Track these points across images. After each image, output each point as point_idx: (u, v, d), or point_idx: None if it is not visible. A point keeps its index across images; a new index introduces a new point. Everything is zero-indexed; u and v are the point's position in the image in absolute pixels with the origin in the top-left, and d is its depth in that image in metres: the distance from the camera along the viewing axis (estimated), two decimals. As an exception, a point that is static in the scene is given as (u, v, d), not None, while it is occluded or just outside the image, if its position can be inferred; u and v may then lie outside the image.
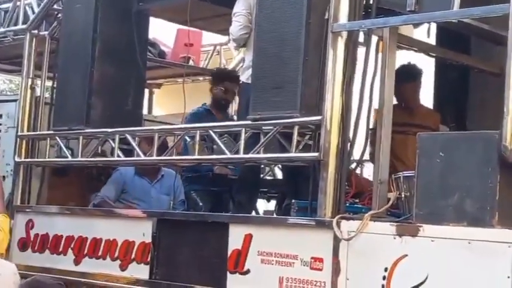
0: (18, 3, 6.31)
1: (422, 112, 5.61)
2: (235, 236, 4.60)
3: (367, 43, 4.91)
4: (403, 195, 4.27)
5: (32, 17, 6.14)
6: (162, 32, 7.93)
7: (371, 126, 4.92)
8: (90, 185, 6.12)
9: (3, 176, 6.24)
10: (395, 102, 4.88)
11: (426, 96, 5.85)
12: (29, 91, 6.12)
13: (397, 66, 4.65)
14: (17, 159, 6.06)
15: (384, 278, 3.96)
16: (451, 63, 5.31)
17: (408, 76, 5.47)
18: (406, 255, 3.91)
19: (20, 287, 3.93)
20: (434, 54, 5.42)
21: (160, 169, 6.02)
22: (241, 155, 4.80)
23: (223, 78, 6.42)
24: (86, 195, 6.00)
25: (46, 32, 6.17)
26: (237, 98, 6.55)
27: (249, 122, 4.72)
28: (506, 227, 3.68)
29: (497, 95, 3.82)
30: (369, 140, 4.83)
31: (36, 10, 6.10)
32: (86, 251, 5.39)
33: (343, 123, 4.47)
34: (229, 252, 4.60)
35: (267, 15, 4.73)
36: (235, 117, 6.86)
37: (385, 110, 4.40)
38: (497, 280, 3.60)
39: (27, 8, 6.22)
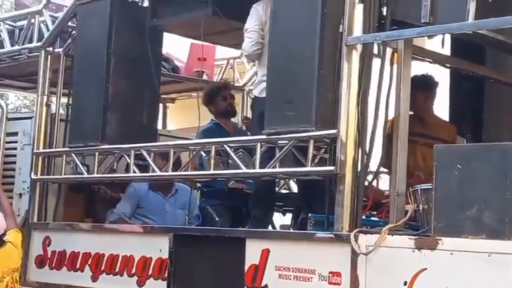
0: (32, 20, 6.34)
1: (435, 123, 5.57)
2: (252, 251, 4.58)
3: (381, 55, 4.92)
4: (421, 208, 4.21)
5: (46, 34, 6.15)
6: (176, 47, 7.92)
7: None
8: (106, 201, 6.06)
9: (20, 194, 6.27)
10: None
11: (442, 108, 5.82)
12: (44, 108, 6.13)
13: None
14: (33, 176, 6.06)
15: (403, 291, 3.91)
16: (466, 74, 5.29)
17: (421, 84, 5.44)
18: (425, 268, 3.88)
19: None
20: (449, 65, 5.40)
21: (174, 184, 6.03)
22: (257, 170, 4.78)
23: (215, 92, 6.40)
24: (103, 212, 5.93)
25: (61, 49, 6.19)
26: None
27: (264, 137, 4.71)
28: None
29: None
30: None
31: (51, 28, 6.12)
32: (103, 268, 5.38)
33: (359, 136, 4.46)
34: (246, 268, 4.59)
35: (280, 29, 4.73)
36: (243, 127, 6.90)
37: (401, 121, 4.40)
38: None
39: (41, 25, 6.25)
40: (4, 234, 4.82)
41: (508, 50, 4.42)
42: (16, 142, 6.45)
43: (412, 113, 5.27)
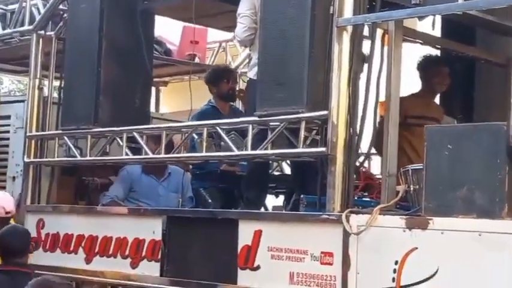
0: (24, 4, 6.33)
1: (435, 105, 5.61)
2: (245, 232, 4.61)
3: (372, 37, 4.92)
4: (411, 188, 4.24)
5: (38, 17, 6.13)
6: (168, 30, 7.90)
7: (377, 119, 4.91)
8: (98, 185, 6.06)
9: (13, 177, 6.29)
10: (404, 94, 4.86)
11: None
12: (36, 91, 6.13)
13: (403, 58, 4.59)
14: (26, 159, 6.08)
15: (394, 271, 3.96)
16: (457, 55, 5.30)
17: (440, 61, 5.51)
18: (416, 248, 3.91)
19: (30, 286, 3.81)
20: (439, 47, 5.42)
21: (167, 167, 6.03)
22: (249, 152, 4.80)
23: (221, 74, 6.39)
24: (95, 195, 5.91)
25: (52, 33, 6.18)
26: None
27: (256, 119, 4.73)
28: (516, 219, 3.65)
29: (504, 86, 3.82)
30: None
31: (42, 11, 6.11)
32: (96, 250, 5.41)
33: (350, 117, 4.47)
34: (239, 249, 4.61)
35: (272, 12, 4.73)
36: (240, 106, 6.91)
37: (392, 102, 4.40)
38: (507, 271, 3.59)
39: (33, 8, 6.24)
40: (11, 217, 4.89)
41: (498, 30, 4.44)
42: (9, 125, 6.47)
43: (418, 93, 5.32)
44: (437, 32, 5.42)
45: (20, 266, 4.47)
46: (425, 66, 5.49)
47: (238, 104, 7.12)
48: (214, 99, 6.38)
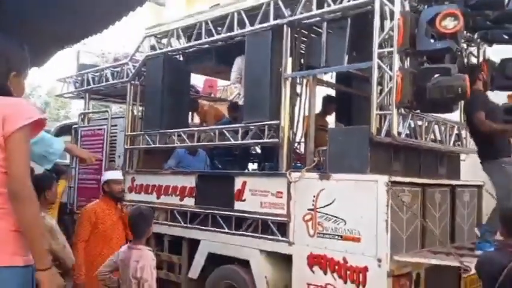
0: (124, 67, 6.24)
1: (325, 120, 5.59)
2: (238, 182, 4.53)
3: (301, 82, 4.91)
4: (322, 159, 4.23)
5: (130, 75, 6.06)
6: (197, 80, 7.80)
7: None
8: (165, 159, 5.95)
9: (119, 155, 6.23)
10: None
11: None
12: (130, 112, 6.05)
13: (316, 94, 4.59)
14: (125, 146, 5.99)
15: (313, 200, 3.93)
16: (344, 91, 5.31)
17: (330, 99, 5.54)
18: (324, 189, 3.88)
19: (131, 210, 3.61)
20: (335, 88, 5.42)
21: (198, 150, 5.86)
22: (239, 141, 4.77)
23: (235, 107, 6.13)
24: (161, 165, 5.85)
25: (138, 82, 6.06)
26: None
27: (243, 125, 4.70)
28: (374, 173, 3.68)
29: (367, 108, 3.80)
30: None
31: (133, 71, 6.02)
32: (162, 191, 5.34)
33: (291, 124, 4.48)
34: (235, 190, 4.53)
35: (249, 70, 4.71)
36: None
37: (311, 118, 4.37)
38: (369, 201, 3.59)
39: (128, 70, 6.16)
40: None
41: (363, 79, 4.42)
42: (116, 130, 6.38)
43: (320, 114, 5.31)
44: (333, 80, 5.43)
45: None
46: (324, 101, 5.49)
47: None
48: (229, 116, 6.27)
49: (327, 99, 5.50)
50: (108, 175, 4.48)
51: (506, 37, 4.53)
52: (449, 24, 3.43)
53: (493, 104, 4.15)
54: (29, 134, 1.76)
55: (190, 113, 6.80)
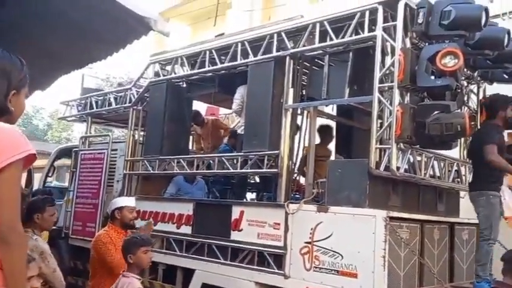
0: (127, 92, 6.30)
1: (327, 150, 5.57)
2: (235, 211, 4.49)
3: (302, 113, 4.93)
4: (320, 191, 4.17)
5: (133, 100, 6.11)
6: (199, 107, 7.85)
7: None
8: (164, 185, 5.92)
9: (118, 180, 6.23)
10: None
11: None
12: (131, 137, 6.05)
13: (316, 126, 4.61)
14: (124, 171, 5.96)
15: (310, 233, 3.88)
16: (344, 124, 5.32)
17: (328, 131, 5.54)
18: (322, 221, 3.84)
19: (126, 240, 3.42)
20: (336, 119, 5.44)
21: (196, 177, 5.83)
22: (238, 170, 4.75)
23: (234, 135, 6.06)
24: (160, 191, 5.82)
25: (141, 107, 6.08)
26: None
27: (242, 153, 4.70)
28: (372, 208, 3.65)
29: (367, 140, 3.80)
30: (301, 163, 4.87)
31: (136, 96, 6.07)
32: (159, 218, 5.26)
33: (290, 154, 4.47)
34: (232, 220, 4.49)
35: (251, 99, 4.74)
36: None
37: (311, 148, 4.38)
38: (366, 235, 3.55)
39: (131, 95, 6.23)
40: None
41: (364, 112, 4.43)
42: (116, 154, 6.37)
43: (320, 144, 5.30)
44: (334, 112, 5.45)
45: None
46: (320, 131, 5.46)
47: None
48: (229, 142, 6.21)
49: (322, 129, 5.49)
50: (122, 201, 4.22)
51: (506, 76, 4.61)
52: (449, 62, 3.48)
53: (502, 141, 4.19)
54: (21, 169, 1.58)
55: (194, 126, 6.78)
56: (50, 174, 8.42)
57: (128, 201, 4.23)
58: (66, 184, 6.91)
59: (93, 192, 6.38)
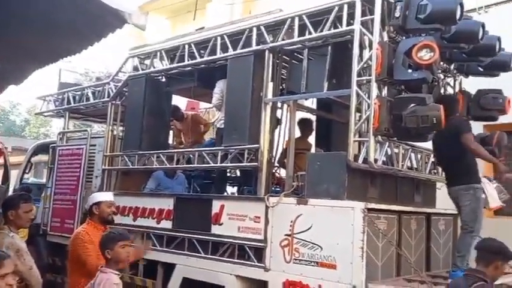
0: (105, 87, 6.23)
1: (307, 143, 5.57)
2: (216, 205, 4.49)
3: (282, 107, 4.94)
4: (300, 184, 4.17)
5: (111, 94, 6.05)
6: (179, 101, 7.79)
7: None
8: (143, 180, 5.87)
9: (96, 176, 6.13)
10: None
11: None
12: (110, 132, 5.98)
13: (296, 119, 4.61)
14: (103, 167, 5.89)
15: (290, 225, 3.90)
16: (324, 117, 5.34)
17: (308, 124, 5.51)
18: (301, 214, 3.87)
19: (103, 235, 3.29)
20: (315, 113, 5.45)
21: (176, 172, 5.77)
22: (218, 164, 4.74)
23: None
24: (139, 186, 5.77)
25: (119, 102, 6.02)
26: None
27: (223, 147, 4.69)
28: (350, 199, 3.69)
29: (346, 133, 3.82)
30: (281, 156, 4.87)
31: (114, 91, 6.01)
32: (139, 214, 5.24)
33: (270, 148, 4.48)
34: (212, 213, 4.49)
35: (230, 93, 4.73)
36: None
37: (291, 141, 4.37)
38: (345, 227, 3.59)
39: (109, 90, 6.16)
40: None
41: (343, 105, 4.45)
42: (95, 149, 6.29)
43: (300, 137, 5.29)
44: (314, 105, 5.45)
45: None
46: (299, 124, 5.37)
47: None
48: (213, 138, 6.18)
49: (302, 122, 5.50)
50: (99, 196, 4.14)
51: (481, 69, 4.70)
52: (425, 56, 3.52)
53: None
54: None
55: (174, 120, 6.75)
56: (27, 171, 8.28)
57: (106, 196, 4.14)
58: (44, 180, 6.76)
59: (71, 189, 6.29)
